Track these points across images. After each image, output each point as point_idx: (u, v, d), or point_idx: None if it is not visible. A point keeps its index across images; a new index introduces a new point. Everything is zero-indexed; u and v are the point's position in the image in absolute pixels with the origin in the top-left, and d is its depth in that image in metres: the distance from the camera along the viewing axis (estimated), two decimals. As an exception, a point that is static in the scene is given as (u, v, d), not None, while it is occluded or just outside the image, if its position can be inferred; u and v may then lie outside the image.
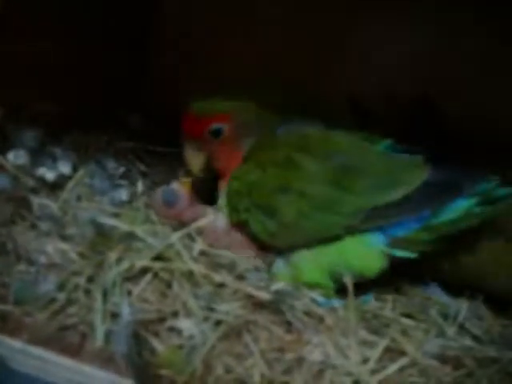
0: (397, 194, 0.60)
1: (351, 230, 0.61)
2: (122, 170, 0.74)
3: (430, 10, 0.83)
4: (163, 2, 0.93)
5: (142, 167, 0.79)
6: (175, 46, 0.93)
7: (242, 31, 0.90)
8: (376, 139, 0.65)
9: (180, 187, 0.69)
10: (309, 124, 0.68)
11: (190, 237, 0.61)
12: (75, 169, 0.68)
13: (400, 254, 0.61)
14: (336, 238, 0.61)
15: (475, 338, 0.60)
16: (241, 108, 0.70)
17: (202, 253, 0.60)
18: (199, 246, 0.59)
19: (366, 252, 0.61)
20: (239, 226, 0.66)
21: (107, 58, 0.83)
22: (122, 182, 0.73)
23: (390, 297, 0.64)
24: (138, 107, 0.88)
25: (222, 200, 0.68)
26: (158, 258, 0.56)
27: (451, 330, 0.59)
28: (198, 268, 0.55)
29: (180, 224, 0.65)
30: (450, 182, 0.60)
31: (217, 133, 0.69)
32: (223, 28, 0.90)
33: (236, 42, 0.90)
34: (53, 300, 0.53)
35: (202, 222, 0.60)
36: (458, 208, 0.60)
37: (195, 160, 0.71)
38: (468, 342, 0.58)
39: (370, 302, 0.63)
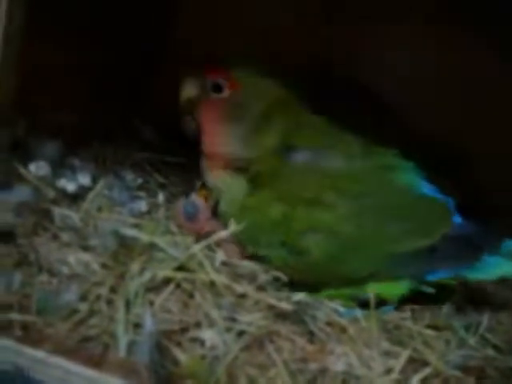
0: (423, 242, 0.61)
1: (376, 275, 0.61)
2: (139, 181, 0.75)
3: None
4: (175, 18, 0.94)
5: (160, 178, 0.79)
6: (186, 55, 0.94)
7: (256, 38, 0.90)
8: (404, 165, 0.65)
9: (199, 199, 0.69)
10: (326, 153, 0.65)
11: (209, 247, 0.60)
12: (94, 180, 0.68)
13: (425, 290, 0.62)
14: (360, 281, 0.61)
15: (497, 348, 0.60)
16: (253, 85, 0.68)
17: (223, 263, 0.60)
18: (221, 256, 0.59)
19: (392, 283, 0.62)
20: (254, 257, 0.64)
21: (119, 68, 0.84)
22: (141, 193, 0.73)
23: (410, 307, 0.64)
24: (152, 118, 0.89)
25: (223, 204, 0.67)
26: (180, 268, 0.56)
27: (473, 340, 0.59)
28: (221, 278, 0.55)
29: (198, 236, 0.66)
30: (478, 237, 0.62)
31: (217, 87, 0.67)
32: (233, 40, 0.91)
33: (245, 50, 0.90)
34: (75, 311, 0.52)
35: (223, 233, 0.60)
36: (497, 271, 0.62)
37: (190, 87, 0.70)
38: (490, 352, 0.58)
39: (391, 312, 0.62)
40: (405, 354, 0.54)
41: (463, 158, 0.79)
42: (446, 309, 0.64)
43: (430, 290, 0.62)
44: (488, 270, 0.61)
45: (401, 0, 0.82)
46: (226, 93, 0.67)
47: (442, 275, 0.62)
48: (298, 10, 0.88)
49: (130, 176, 0.74)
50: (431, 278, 0.62)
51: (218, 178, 0.68)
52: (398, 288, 0.62)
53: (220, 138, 0.67)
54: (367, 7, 0.85)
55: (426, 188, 0.64)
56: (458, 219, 0.63)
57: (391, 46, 0.86)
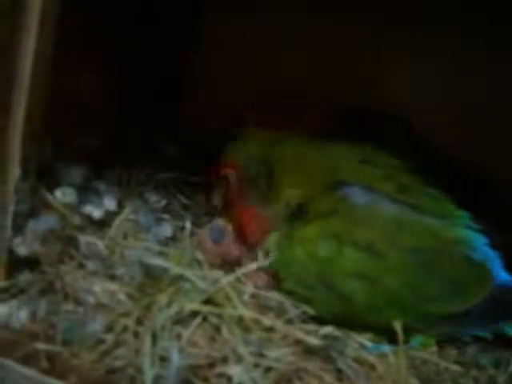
0: (458, 307, 0.61)
1: (413, 332, 0.61)
2: (163, 203, 0.74)
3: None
4: (199, 40, 0.94)
5: (183, 199, 0.78)
6: (211, 74, 0.93)
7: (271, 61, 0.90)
8: (459, 215, 0.64)
9: (225, 223, 0.69)
10: (384, 197, 0.63)
11: (237, 278, 0.60)
12: (120, 203, 0.68)
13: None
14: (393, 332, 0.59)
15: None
16: (249, 160, 0.69)
17: (251, 295, 0.59)
18: (249, 289, 0.58)
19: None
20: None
21: (144, 89, 0.83)
22: (165, 216, 0.72)
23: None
24: (176, 136, 0.89)
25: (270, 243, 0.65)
26: (208, 301, 0.55)
27: (502, 379, 0.58)
28: (248, 313, 0.55)
29: (224, 262, 0.65)
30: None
31: (225, 179, 0.70)
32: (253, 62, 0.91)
33: (267, 73, 0.90)
34: (101, 341, 0.52)
35: (253, 266, 0.59)
36: None
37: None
38: (520, 391, 0.58)
39: (419, 346, 0.62)
40: (434, 393, 0.54)
41: (489, 183, 0.77)
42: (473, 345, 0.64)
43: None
44: None
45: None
46: (232, 177, 0.69)
47: (476, 333, 0.62)
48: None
49: (153, 198, 0.73)
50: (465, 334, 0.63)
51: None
52: (430, 341, 0.63)
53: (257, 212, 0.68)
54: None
55: (477, 242, 0.63)
56: (501, 274, 0.62)
57: (419, 71, 0.86)
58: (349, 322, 0.61)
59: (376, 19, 0.85)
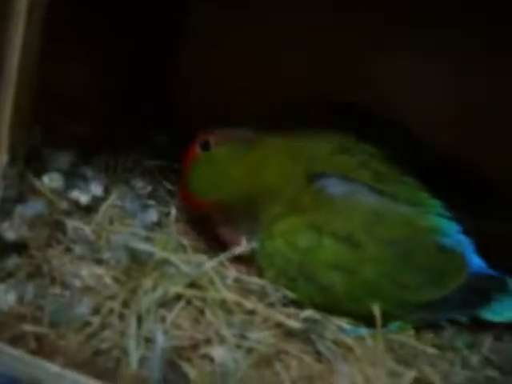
0: (436, 295, 0.63)
1: (391, 318, 0.62)
2: (149, 189, 0.75)
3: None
4: (191, 37, 0.94)
5: (169, 186, 0.79)
6: (202, 65, 0.93)
7: (264, 58, 0.90)
8: (432, 203, 0.66)
9: None
10: (362, 188, 0.64)
11: (221, 263, 0.61)
12: (106, 189, 0.69)
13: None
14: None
15: (499, 368, 0.61)
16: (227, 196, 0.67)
17: (234, 279, 0.60)
18: (232, 273, 0.60)
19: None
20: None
21: (133, 76, 0.84)
22: (150, 202, 0.73)
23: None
24: (164, 124, 0.89)
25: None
26: (191, 284, 0.57)
27: (476, 361, 0.60)
28: (231, 296, 0.56)
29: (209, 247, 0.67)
30: (491, 281, 0.64)
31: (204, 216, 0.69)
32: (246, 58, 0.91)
33: (259, 70, 0.90)
34: (87, 323, 0.53)
35: (236, 250, 0.61)
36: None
37: None
38: (492, 372, 0.59)
39: (396, 330, 0.63)
40: (410, 375, 0.55)
41: (489, 183, 0.78)
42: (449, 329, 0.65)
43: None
44: (500, 312, 0.64)
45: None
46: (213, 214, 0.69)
47: (453, 317, 0.65)
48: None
49: (139, 184, 0.74)
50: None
51: None
52: (407, 325, 0.64)
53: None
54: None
55: (450, 230, 0.65)
56: (475, 260, 0.64)
57: (419, 71, 0.86)
58: (330, 310, 0.62)
59: (376, 19, 0.85)
